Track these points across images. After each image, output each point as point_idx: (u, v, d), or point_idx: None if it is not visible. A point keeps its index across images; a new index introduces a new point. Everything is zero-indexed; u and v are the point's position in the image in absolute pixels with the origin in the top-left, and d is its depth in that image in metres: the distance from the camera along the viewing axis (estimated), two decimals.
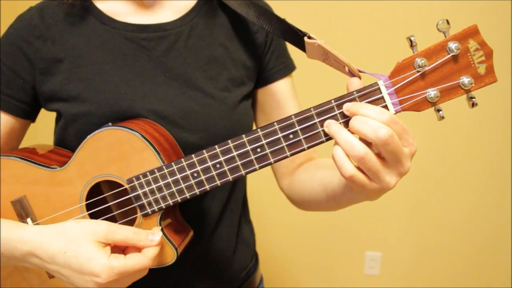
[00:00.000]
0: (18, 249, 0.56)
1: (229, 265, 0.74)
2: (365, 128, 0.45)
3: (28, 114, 0.69)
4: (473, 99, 0.47)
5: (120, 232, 0.54)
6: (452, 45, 0.45)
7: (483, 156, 1.53)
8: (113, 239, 0.54)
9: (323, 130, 0.50)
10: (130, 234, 0.54)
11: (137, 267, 0.53)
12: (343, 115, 0.49)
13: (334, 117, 0.49)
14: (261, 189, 1.33)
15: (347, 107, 0.48)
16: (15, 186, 0.64)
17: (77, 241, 0.53)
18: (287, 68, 0.74)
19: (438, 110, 0.48)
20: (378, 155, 0.47)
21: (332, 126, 0.48)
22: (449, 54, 0.46)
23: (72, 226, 0.55)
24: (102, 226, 0.54)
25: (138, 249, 0.56)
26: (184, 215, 0.66)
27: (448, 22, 0.46)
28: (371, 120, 0.45)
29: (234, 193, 0.73)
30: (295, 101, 0.74)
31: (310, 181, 0.67)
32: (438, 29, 0.46)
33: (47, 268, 0.56)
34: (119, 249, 0.57)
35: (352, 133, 0.47)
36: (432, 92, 0.47)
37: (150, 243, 0.55)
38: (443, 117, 0.48)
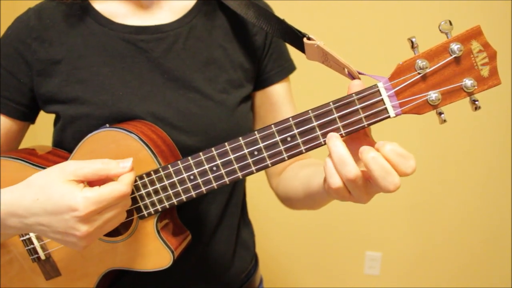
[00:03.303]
0: None
1: (229, 267, 0.74)
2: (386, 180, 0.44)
3: (27, 116, 0.69)
4: (476, 102, 0.46)
5: (88, 165, 0.52)
6: (455, 47, 0.44)
7: (483, 156, 1.52)
8: (83, 174, 0.51)
9: (321, 134, 0.49)
10: (99, 165, 0.52)
11: (114, 193, 0.50)
12: (342, 118, 0.48)
13: (332, 120, 0.48)
14: (260, 190, 1.32)
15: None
16: None
17: (46, 185, 0.51)
18: (285, 70, 0.73)
19: (440, 113, 0.47)
20: (366, 178, 0.46)
21: (331, 139, 0.47)
22: (451, 55, 0.45)
23: (39, 175, 0.52)
24: (69, 165, 0.52)
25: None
26: (183, 218, 0.65)
27: (450, 23, 0.45)
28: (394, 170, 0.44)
29: (234, 196, 0.73)
30: (291, 105, 0.74)
31: (294, 180, 0.67)
32: (440, 30, 0.45)
33: (26, 225, 0.53)
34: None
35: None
36: (433, 95, 0.46)
37: (122, 170, 0.53)
38: (445, 121, 0.47)
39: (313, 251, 1.71)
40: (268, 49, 0.71)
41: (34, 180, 0.52)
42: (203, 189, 0.55)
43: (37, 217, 0.51)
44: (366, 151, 0.44)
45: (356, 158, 0.45)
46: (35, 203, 0.51)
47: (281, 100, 0.73)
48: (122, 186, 0.51)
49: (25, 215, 0.52)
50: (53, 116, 0.69)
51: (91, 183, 0.53)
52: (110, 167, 0.52)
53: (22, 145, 0.72)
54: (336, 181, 0.46)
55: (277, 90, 0.72)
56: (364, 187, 0.46)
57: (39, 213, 0.51)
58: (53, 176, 0.51)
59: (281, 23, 0.62)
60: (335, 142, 0.46)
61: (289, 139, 0.50)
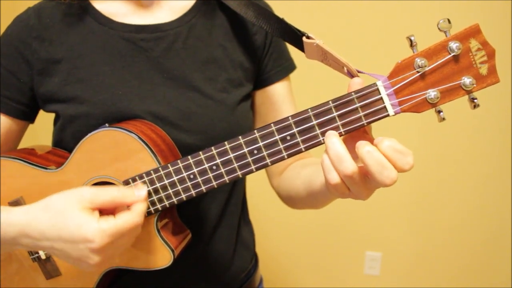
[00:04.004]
0: (8, 232, 0.54)
1: (229, 266, 0.74)
2: (383, 174, 0.44)
3: (27, 116, 0.69)
4: (475, 100, 0.46)
5: (105, 193, 0.53)
6: (453, 45, 0.44)
7: (483, 156, 1.52)
8: (100, 202, 0.52)
9: (320, 132, 0.49)
10: (115, 193, 0.53)
11: (127, 224, 0.52)
12: (341, 116, 0.48)
13: (331, 118, 0.48)
14: (260, 189, 1.33)
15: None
16: (13, 187, 0.64)
17: (63, 211, 0.51)
18: (285, 69, 0.73)
19: (439, 112, 0.47)
20: (364, 174, 0.46)
21: (328, 137, 0.47)
22: (450, 54, 0.45)
23: (56, 199, 0.53)
24: (86, 192, 0.52)
25: (128, 209, 0.54)
26: (183, 217, 0.65)
27: (449, 21, 0.45)
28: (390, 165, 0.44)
29: (234, 195, 0.73)
30: (292, 104, 0.74)
31: (296, 179, 0.67)
32: (439, 29, 0.45)
33: (39, 246, 0.54)
34: (109, 212, 0.55)
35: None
36: (432, 93, 0.46)
37: (137, 198, 0.54)
38: (444, 119, 0.47)
39: (313, 251, 1.71)
40: (268, 49, 0.71)
41: (51, 204, 0.53)
42: (203, 188, 0.55)
43: (52, 242, 0.52)
44: (362, 146, 0.44)
45: (355, 155, 0.46)
46: (51, 228, 0.52)
47: (282, 99, 0.73)
48: (135, 217, 0.53)
49: (39, 238, 0.53)
50: (53, 115, 0.69)
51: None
52: (125, 195, 0.53)
53: (22, 145, 0.72)
54: (334, 177, 0.46)
55: (278, 90, 0.73)
56: (362, 183, 0.46)
57: (54, 239, 0.52)
58: (71, 202, 0.52)
59: (281, 22, 0.62)
60: (332, 139, 0.46)
61: (288, 138, 0.50)
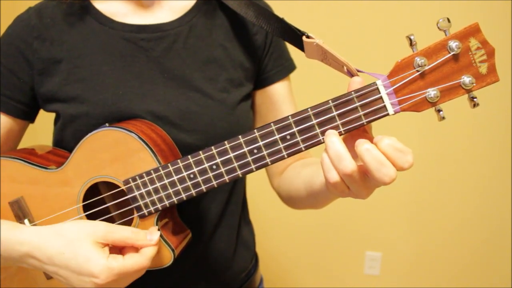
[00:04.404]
0: (16, 250, 0.56)
1: (229, 266, 0.74)
2: (382, 171, 0.44)
3: (27, 115, 0.69)
4: (475, 99, 0.46)
5: (119, 232, 0.54)
6: (453, 44, 0.45)
7: (483, 156, 1.52)
8: (112, 239, 0.54)
9: (320, 132, 0.49)
10: (129, 233, 0.54)
11: (135, 267, 0.53)
12: (341, 116, 0.48)
13: (331, 118, 0.48)
14: (261, 189, 1.33)
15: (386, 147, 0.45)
16: (13, 187, 0.64)
17: (75, 242, 0.53)
18: (285, 69, 0.73)
19: (439, 111, 0.47)
20: (363, 172, 0.46)
21: (328, 136, 0.47)
22: (450, 53, 0.45)
23: (70, 227, 0.54)
24: (100, 227, 0.54)
25: (136, 249, 0.55)
26: (183, 217, 0.65)
27: (449, 21, 0.45)
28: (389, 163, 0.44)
29: (234, 194, 0.73)
30: (292, 104, 0.74)
31: (296, 179, 0.67)
32: (438, 28, 0.45)
33: (45, 269, 0.55)
34: (117, 248, 0.56)
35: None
36: (432, 92, 0.46)
37: (149, 242, 0.55)
38: (443, 118, 0.47)
39: (313, 251, 1.71)
40: (268, 49, 0.71)
41: (64, 231, 0.54)
42: (203, 187, 0.55)
43: (58, 268, 0.53)
44: (360, 144, 0.45)
45: (355, 154, 0.46)
46: (59, 255, 0.53)
47: (282, 99, 0.73)
48: (144, 261, 0.54)
49: (46, 262, 0.54)
50: (53, 115, 0.69)
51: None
52: (138, 238, 0.55)
53: (22, 145, 0.72)
54: (333, 176, 0.46)
55: (278, 89, 0.73)
56: (362, 181, 0.46)
57: (60, 266, 0.53)
58: (84, 234, 0.53)
59: (280, 22, 0.62)
60: (332, 138, 0.46)
61: (288, 137, 0.50)
